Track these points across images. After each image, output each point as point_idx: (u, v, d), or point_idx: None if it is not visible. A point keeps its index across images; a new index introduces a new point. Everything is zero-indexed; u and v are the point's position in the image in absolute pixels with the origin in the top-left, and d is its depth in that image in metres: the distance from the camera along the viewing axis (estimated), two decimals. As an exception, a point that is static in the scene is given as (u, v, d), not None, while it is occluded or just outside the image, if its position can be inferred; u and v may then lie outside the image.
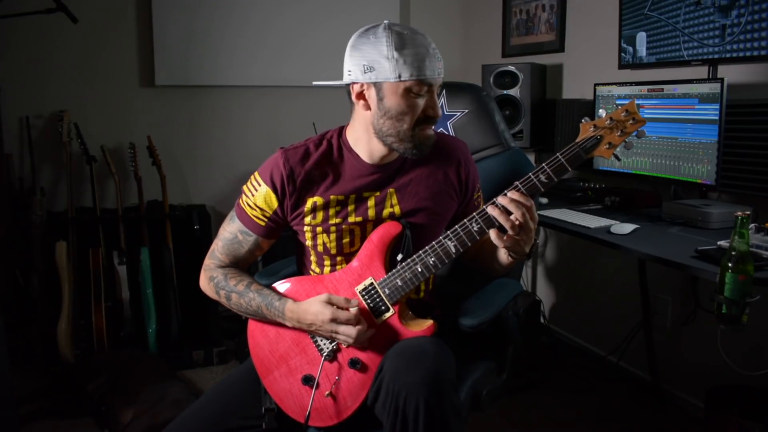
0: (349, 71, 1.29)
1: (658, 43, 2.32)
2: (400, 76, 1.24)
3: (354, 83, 1.30)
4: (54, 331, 2.68)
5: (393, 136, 1.30)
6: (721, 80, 1.95)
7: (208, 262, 1.44)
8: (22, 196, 2.85)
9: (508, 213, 1.22)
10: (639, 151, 2.25)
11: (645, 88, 2.22)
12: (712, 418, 1.99)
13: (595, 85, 2.40)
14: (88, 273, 2.80)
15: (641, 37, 2.39)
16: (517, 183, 1.25)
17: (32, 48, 2.94)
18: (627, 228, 1.88)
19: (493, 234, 1.24)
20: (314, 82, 1.38)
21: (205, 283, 1.43)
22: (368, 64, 1.25)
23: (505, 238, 1.24)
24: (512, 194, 1.23)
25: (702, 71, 2.18)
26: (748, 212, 1.36)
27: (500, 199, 1.23)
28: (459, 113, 1.82)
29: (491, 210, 1.24)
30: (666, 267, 1.66)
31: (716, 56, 2.10)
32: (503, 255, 1.34)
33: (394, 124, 1.28)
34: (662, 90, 2.16)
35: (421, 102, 1.28)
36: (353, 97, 1.31)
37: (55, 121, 2.92)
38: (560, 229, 2.06)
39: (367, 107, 1.30)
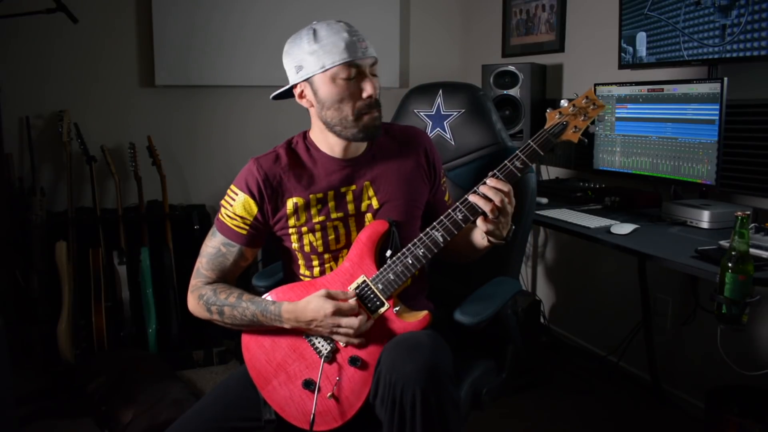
0: (288, 76, 1.37)
1: (658, 43, 2.32)
2: (323, 66, 1.29)
3: (294, 86, 1.36)
4: (54, 331, 2.68)
5: (338, 125, 1.35)
6: (721, 80, 1.95)
7: (195, 282, 1.42)
8: (22, 196, 2.85)
9: (488, 199, 1.29)
10: (639, 151, 2.25)
11: (645, 88, 2.22)
12: (712, 418, 1.99)
13: (595, 85, 2.40)
14: (88, 273, 2.80)
15: (641, 37, 2.39)
16: (494, 171, 1.33)
17: (32, 48, 2.95)
18: (627, 228, 1.88)
19: (479, 219, 1.32)
20: (272, 96, 1.45)
21: (194, 304, 1.40)
22: (297, 64, 1.33)
23: (486, 222, 1.32)
24: (491, 181, 1.31)
25: (702, 71, 2.18)
26: (748, 212, 1.36)
27: (481, 187, 1.31)
28: (456, 113, 1.82)
29: (472, 198, 1.31)
30: (666, 267, 1.66)
31: (716, 56, 2.09)
32: (480, 239, 1.40)
33: (335, 113, 1.33)
34: (662, 90, 2.15)
35: (353, 85, 1.32)
36: (297, 99, 1.38)
37: (55, 121, 2.93)
38: (560, 229, 2.06)
39: (311, 104, 1.37)
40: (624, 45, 2.47)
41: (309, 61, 1.30)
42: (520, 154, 1.34)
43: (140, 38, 3.11)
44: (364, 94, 1.32)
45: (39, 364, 2.69)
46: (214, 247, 1.40)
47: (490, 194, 1.29)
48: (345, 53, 1.29)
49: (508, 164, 1.33)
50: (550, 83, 2.99)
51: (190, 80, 3.17)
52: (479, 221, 1.32)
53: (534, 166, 1.55)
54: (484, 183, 1.32)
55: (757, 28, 1.95)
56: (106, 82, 3.08)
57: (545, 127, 1.38)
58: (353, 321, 1.27)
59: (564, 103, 1.38)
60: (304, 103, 1.38)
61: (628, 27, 2.44)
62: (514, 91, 2.84)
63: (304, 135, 1.45)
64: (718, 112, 1.95)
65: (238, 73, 3.24)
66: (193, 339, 2.87)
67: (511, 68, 2.85)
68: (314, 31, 1.32)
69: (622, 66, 2.51)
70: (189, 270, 1.45)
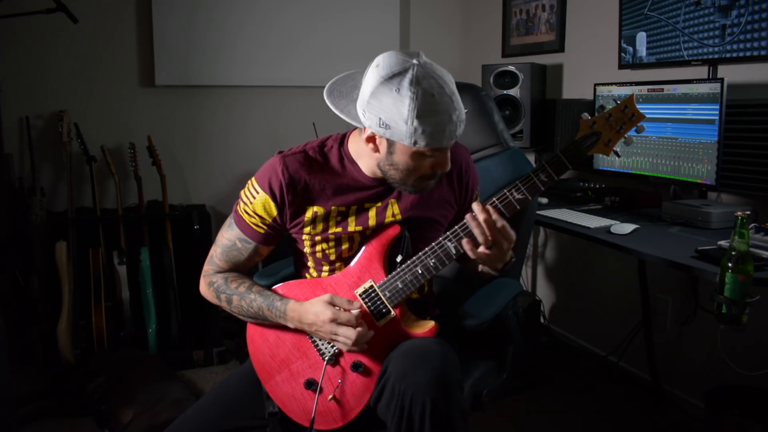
0: (364, 113, 1.21)
1: (658, 43, 2.32)
2: (414, 143, 1.18)
3: (366, 127, 1.24)
4: (54, 331, 2.68)
5: (395, 180, 1.28)
6: (721, 80, 1.95)
7: (207, 268, 1.43)
8: (22, 196, 2.85)
9: (484, 227, 1.19)
10: (639, 151, 2.25)
11: (645, 88, 2.21)
12: (712, 418, 1.99)
13: (595, 85, 2.40)
14: (88, 273, 2.80)
15: (641, 37, 2.39)
16: (516, 182, 1.24)
17: (32, 48, 2.94)
18: (627, 228, 1.88)
19: (465, 244, 1.22)
20: (327, 99, 1.26)
21: (205, 289, 1.42)
22: (385, 120, 1.18)
23: (478, 251, 1.21)
24: (489, 209, 1.20)
25: (702, 71, 2.18)
26: (748, 212, 1.36)
27: (478, 212, 1.19)
28: (459, 113, 1.82)
29: (469, 219, 1.20)
30: (666, 267, 1.66)
31: (716, 56, 2.10)
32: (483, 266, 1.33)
33: (399, 175, 1.26)
34: (662, 90, 2.15)
35: (431, 161, 1.24)
36: (363, 136, 1.25)
37: (55, 121, 2.92)
38: (560, 229, 2.06)
39: (376, 150, 1.25)
40: (624, 45, 2.47)
41: (401, 128, 1.16)
42: (546, 166, 1.23)
43: (140, 38, 3.11)
44: (438, 170, 1.26)
45: (39, 364, 2.69)
46: (229, 239, 1.38)
47: (483, 222, 1.18)
48: (442, 141, 1.19)
49: (533, 177, 1.23)
50: (550, 83, 2.99)
51: (190, 80, 3.17)
52: (468, 248, 1.21)
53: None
54: (485, 207, 1.20)
55: (757, 28, 1.95)
56: (106, 82, 3.08)
57: (576, 138, 1.24)
58: (350, 332, 1.24)
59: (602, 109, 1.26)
60: (368, 145, 1.25)
61: (628, 27, 2.44)
62: (514, 91, 2.84)
63: (342, 141, 1.35)
64: (718, 112, 1.95)
65: (239, 73, 3.24)
66: (193, 339, 2.87)
67: (511, 68, 2.85)
68: (422, 98, 1.14)
69: (622, 66, 2.51)
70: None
